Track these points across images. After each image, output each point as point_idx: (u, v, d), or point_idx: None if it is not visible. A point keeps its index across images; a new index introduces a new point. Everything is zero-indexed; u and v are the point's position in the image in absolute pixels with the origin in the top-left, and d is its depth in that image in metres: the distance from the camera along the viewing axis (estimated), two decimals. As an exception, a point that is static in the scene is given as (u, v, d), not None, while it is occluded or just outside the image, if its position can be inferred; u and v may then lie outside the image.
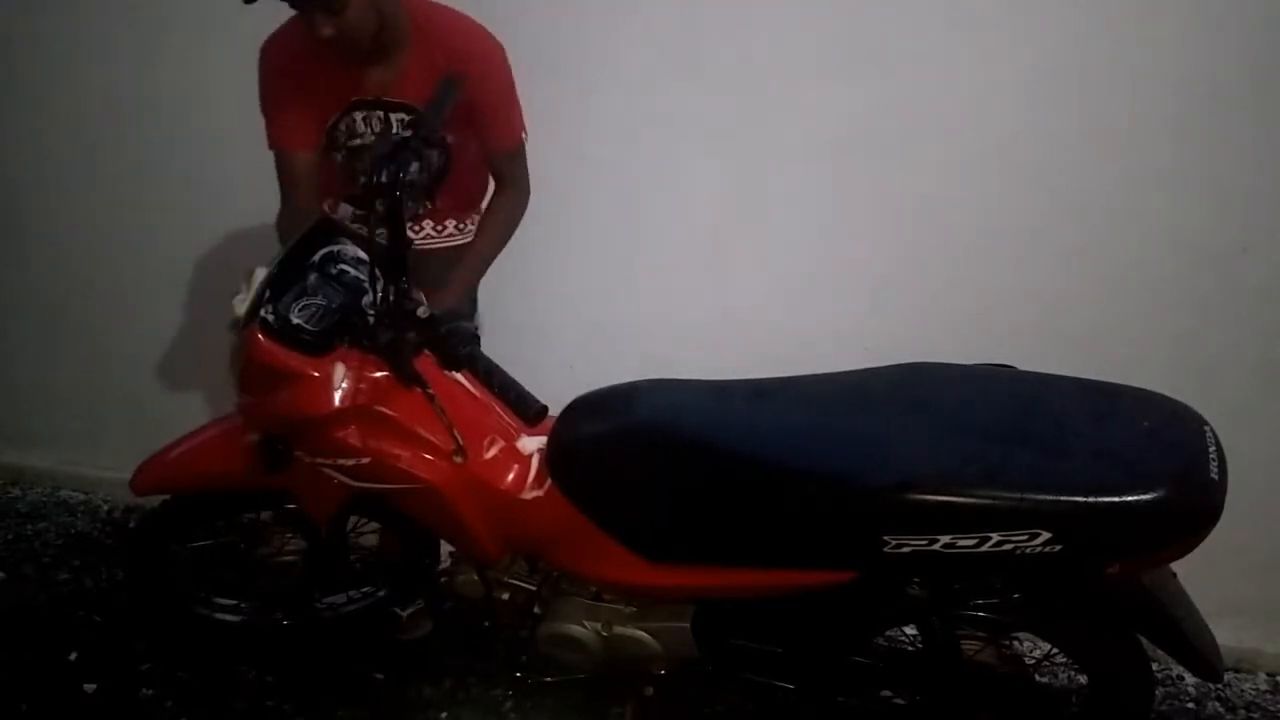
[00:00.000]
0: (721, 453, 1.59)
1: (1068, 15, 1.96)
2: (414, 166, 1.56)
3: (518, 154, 1.98)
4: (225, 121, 2.19)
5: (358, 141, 1.93)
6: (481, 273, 1.99)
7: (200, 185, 2.44)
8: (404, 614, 2.13)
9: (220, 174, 2.42)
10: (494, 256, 1.99)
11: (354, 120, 1.91)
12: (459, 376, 1.73)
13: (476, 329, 1.63)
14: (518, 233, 2.16)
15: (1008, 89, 2.02)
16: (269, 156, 1.91)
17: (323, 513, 1.88)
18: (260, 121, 1.90)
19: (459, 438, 1.69)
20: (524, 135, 1.97)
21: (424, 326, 1.61)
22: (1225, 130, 1.96)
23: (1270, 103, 1.93)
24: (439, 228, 2.02)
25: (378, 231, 1.57)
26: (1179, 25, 1.92)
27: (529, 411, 1.59)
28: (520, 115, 1.96)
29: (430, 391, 1.64)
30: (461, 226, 2.05)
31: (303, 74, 1.86)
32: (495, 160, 1.98)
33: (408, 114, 1.88)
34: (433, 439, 1.69)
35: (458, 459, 1.69)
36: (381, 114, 1.89)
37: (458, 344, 1.59)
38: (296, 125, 1.89)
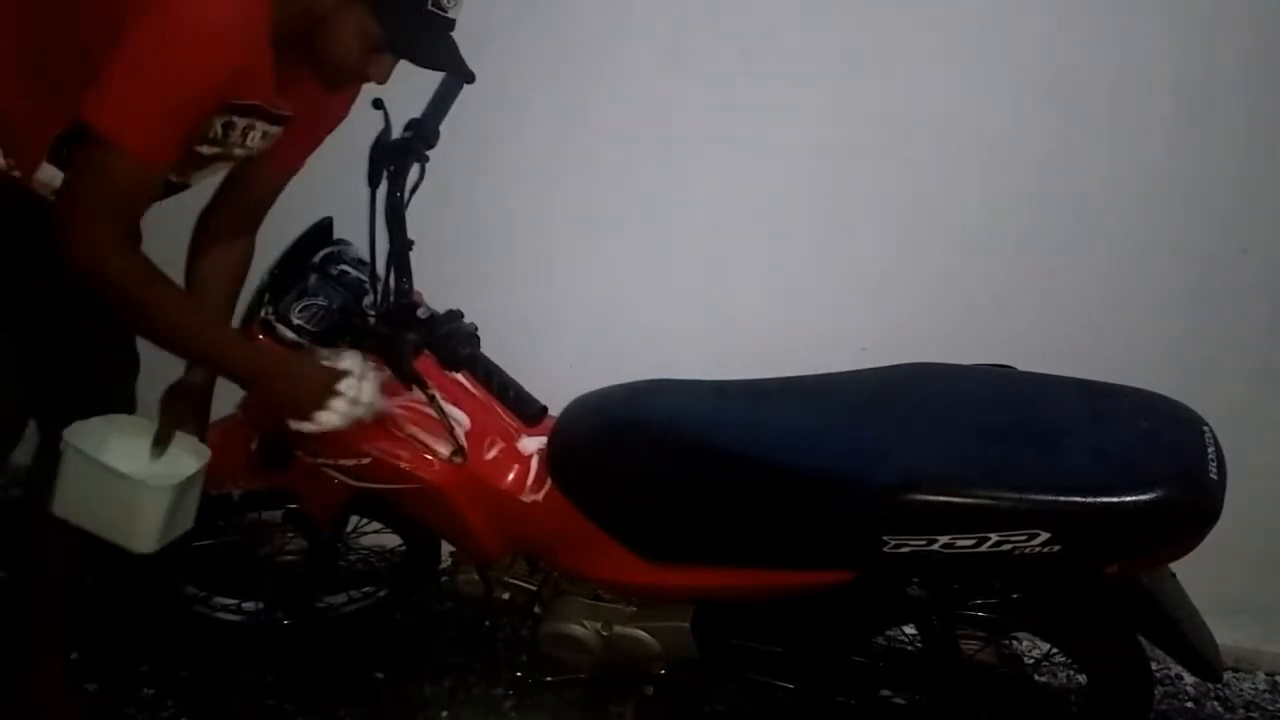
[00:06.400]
0: (721, 453, 1.59)
1: (1066, 14, 1.96)
2: (415, 169, 1.57)
3: None
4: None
5: (210, 150, 1.51)
6: None
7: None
8: None
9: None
10: None
11: (232, 124, 1.49)
12: (459, 377, 1.73)
13: (476, 329, 1.63)
14: (517, 232, 2.17)
15: (1007, 89, 2.02)
16: None
17: (323, 512, 1.89)
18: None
19: (459, 438, 1.69)
20: None
21: (424, 327, 1.61)
22: (1224, 130, 1.96)
23: (1269, 102, 1.93)
24: None
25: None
26: (1178, 24, 1.92)
27: (529, 412, 1.59)
28: None
29: (431, 392, 1.64)
30: None
31: (247, 68, 1.37)
32: (282, 181, 1.67)
33: (276, 125, 1.54)
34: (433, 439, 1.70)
35: (458, 459, 1.70)
36: (252, 121, 1.51)
37: (458, 344, 1.59)
38: (187, 130, 1.39)
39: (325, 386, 1.52)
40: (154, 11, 1.27)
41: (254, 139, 1.53)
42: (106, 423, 1.61)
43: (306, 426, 1.52)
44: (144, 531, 1.54)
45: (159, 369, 1.75)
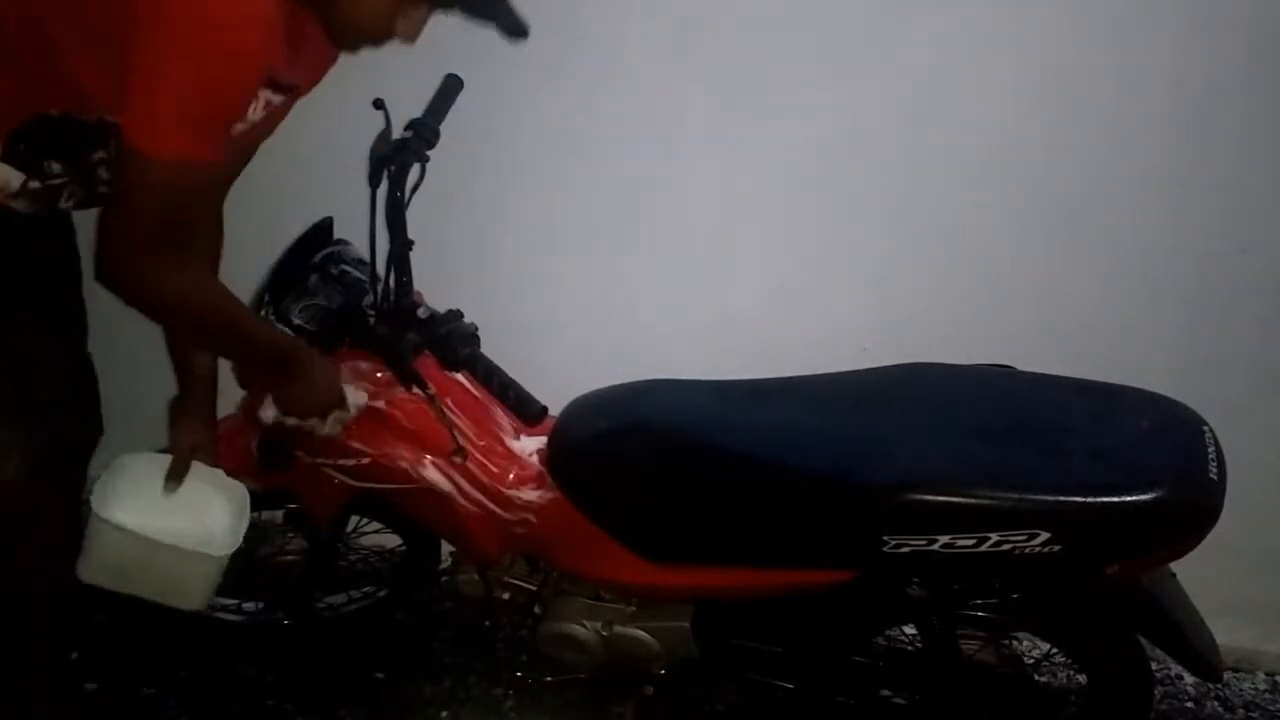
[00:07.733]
0: (721, 453, 1.59)
1: (1066, 14, 1.96)
2: (415, 169, 1.57)
3: None
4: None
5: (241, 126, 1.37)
6: None
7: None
8: None
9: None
10: None
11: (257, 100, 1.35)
12: (459, 377, 1.73)
13: (476, 329, 1.64)
14: (517, 233, 2.16)
15: (1007, 89, 2.02)
16: (268, 152, 1.65)
17: (324, 512, 1.89)
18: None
19: (459, 438, 1.69)
20: None
21: (424, 327, 1.62)
22: (1224, 130, 1.96)
23: (1269, 102, 1.93)
24: None
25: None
26: (1177, 24, 1.92)
27: (530, 412, 1.59)
28: None
29: (431, 392, 1.64)
30: None
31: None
32: (252, 153, 1.56)
33: (280, 94, 1.41)
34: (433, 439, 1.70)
35: (458, 460, 1.70)
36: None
37: (458, 344, 1.59)
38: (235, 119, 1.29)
39: (334, 402, 1.55)
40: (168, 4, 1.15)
41: (255, 111, 1.37)
42: (112, 472, 1.58)
43: (292, 420, 1.55)
44: (198, 594, 1.57)
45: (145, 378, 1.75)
